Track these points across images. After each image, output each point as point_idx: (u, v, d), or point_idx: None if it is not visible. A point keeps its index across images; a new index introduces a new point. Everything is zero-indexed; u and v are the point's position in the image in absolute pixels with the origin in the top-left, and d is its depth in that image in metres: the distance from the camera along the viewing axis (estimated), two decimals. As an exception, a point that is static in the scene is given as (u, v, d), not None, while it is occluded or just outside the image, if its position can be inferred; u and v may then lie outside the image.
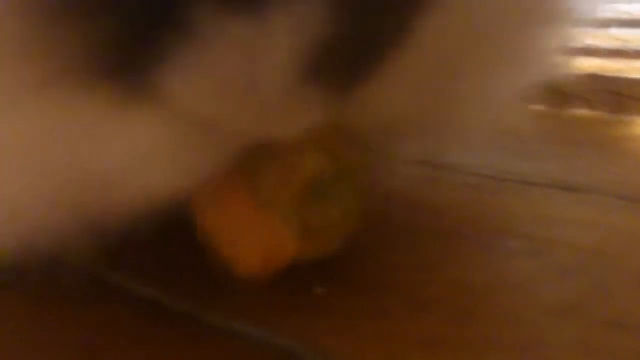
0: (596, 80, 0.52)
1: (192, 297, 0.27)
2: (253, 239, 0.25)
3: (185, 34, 0.20)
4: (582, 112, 0.50)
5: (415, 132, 0.29)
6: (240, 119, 0.22)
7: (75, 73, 0.21)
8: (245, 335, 0.25)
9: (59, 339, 0.25)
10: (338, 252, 0.27)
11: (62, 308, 0.27)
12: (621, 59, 0.60)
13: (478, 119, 0.32)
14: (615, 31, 0.68)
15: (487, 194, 0.36)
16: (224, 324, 0.25)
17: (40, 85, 0.22)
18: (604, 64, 0.57)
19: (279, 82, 0.21)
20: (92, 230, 0.26)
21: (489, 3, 0.27)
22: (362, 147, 0.27)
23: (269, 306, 0.26)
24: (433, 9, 0.24)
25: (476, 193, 0.36)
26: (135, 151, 0.23)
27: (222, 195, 0.25)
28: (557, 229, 0.32)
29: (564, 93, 0.49)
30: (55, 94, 0.22)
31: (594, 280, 0.28)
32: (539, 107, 0.50)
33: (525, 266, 0.29)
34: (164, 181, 0.24)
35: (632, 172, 0.39)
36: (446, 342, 0.24)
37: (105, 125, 0.22)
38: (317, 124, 0.23)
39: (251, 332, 0.25)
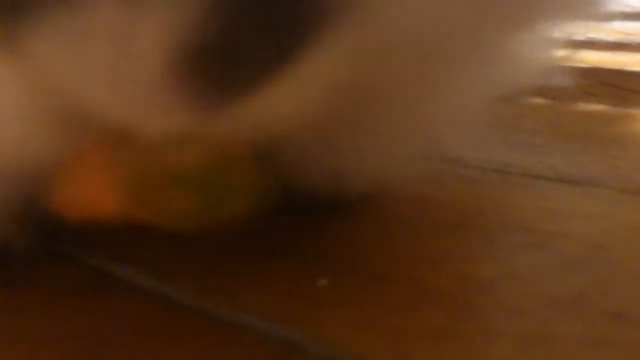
0: (599, 74, 0.52)
1: (197, 289, 0.27)
2: (79, 184, 0.25)
3: None
4: (585, 105, 0.50)
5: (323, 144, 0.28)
6: (97, 94, 0.21)
7: None
8: (249, 327, 0.25)
9: (64, 331, 0.25)
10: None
11: (67, 301, 0.27)
12: (624, 52, 0.60)
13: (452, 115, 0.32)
14: (618, 24, 0.68)
15: (491, 187, 0.36)
16: (228, 315, 0.26)
17: None
18: (606, 57, 0.57)
19: (144, 74, 0.20)
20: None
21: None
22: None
23: (273, 297, 0.26)
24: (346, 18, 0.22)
25: (480, 186, 0.36)
26: None
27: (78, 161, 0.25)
28: (561, 222, 0.32)
29: (566, 86, 0.49)
30: None
31: (598, 273, 0.28)
32: (542, 101, 0.50)
33: (530, 259, 0.29)
34: (16, 145, 0.23)
35: (635, 166, 0.39)
36: (450, 334, 0.24)
37: None
38: (180, 128, 0.22)
39: (255, 323, 0.25)
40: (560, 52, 0.37)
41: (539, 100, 0.49)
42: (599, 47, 0.58)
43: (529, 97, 0.45)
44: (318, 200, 0.32)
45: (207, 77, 0.20)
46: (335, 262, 0.29)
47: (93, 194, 0.25)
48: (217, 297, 0.26)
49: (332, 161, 0.30)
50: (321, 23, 0.21)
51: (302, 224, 0.32)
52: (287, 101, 0.23)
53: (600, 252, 0.29)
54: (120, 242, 0.30)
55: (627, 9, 0.75)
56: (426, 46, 0.26)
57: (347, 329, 0.25)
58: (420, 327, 0.25)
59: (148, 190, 0.25)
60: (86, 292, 0.27)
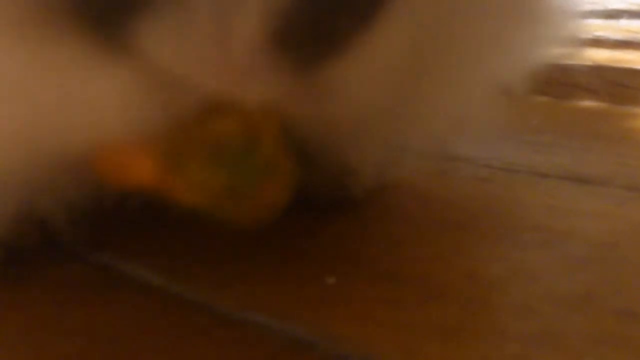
0: (605, 72, 0.51)
1: (203, 285, 0.27)
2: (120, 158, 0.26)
3: None
4: (592, 103, 0.50)
5: (380, 128, 0.29)
6: (205, 74, 0.23)
7: (49, 18, 0.22)
8: (257, 324, 0.25)
9: (73, 328, 0.25)
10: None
11: (76, 298, 0.27)
12: (631, 50, 0.59)
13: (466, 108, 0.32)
14: (624, 22, 0.68)
15: (498, 186, 0.36)
16: (235, 313, 0.26)
17: (13, 28, 0.22)
18: (613, 55, 0.57)
19: (246, 45, 0.22)
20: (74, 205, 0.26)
21: None
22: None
23: (281, 295, 0.27)
24: None
25: (487, 185, 0.36)
26: (100, 103, 0.23)
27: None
28: (569, 220, 0.32)
29: (573, 85, 0.49)
30: (26, 39, 0.22)
31: (606, 271, 0.28)
32: (548, 99, 0.50)
33: (538, 257, 0.29)
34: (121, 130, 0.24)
35: (642, 164, 0.39)
36: (458, 332, 0.24)
37: (74, 74, 0.23)
38: (279, 95, 0.24)
39: (263, 321, 0.25)
40: (567, 50, 0.37)
41: (545, 98, 0.49)
42: (605, 45, 0.58)
43: (536, 95, 0.45)
44: (326, 198, 0.32)
45: (296, 47, 0.22)
46: (343, 260, 0.29)
47: (134, 165, 0.26)
48: (226, 295, 0.26)
49: (339, 159, 0.30)
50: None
51: (309, 222, 0.32)
52: (368, 73, 0.25)
53: (608, 251, 0.29)
54: (129, 239, 0.31)
55: (634, 7, 0.75)
56: (437, 41, 0.26)
57: (355, 327, 0.25)
58: (429, 325, 0.25)
59: (183, 163, 0.25)
60: (95, 289, 0.28)
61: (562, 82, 0.49)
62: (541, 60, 0.35)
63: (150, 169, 0.25)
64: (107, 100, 0.23)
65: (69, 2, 0.22)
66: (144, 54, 0.22)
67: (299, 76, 0.23)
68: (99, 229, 0.29)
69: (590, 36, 0.43)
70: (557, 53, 0.37)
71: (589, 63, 0.53)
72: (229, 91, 0.23)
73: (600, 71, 0.51)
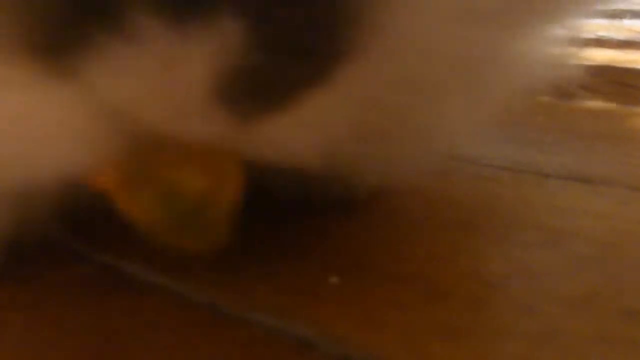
0: (609, 72, 0.51)
1: (206, 285, 0.27)
2: None
3: (115, 27, 0.21)
4: (595, 104, 0.50)
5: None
6: (150, 114, 0.23)
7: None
8: (261, 324, 0.25)
9: (77, 328, 0.25)
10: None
11: (79, 298, 0.27)
12: (634, 50, 0.59)
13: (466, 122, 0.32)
14: (627, 22, 0.68)
15: (502, 186, 0.36)
16: (238, 312, 0.26)
17: None
18: (617, 55, 0.57)
19: (191, 94, 0.23)
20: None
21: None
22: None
23: (284, 294, 0.26)
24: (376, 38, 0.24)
25: (491, 184, 0.36)
26: (45, 126, 0.24)
27: None
28: (572, 220, 0.32)
29: (576, 84, 0.49)
30: None
31: (610, 271, 0.28)
32: (551, 99, 0.50)
33: (541, 256, 0.29)
34: (69, 157, 0.24)
35: (646, 164, 0.39)
36: (462, 332, 0.24)
37: (19, 99, 0.23)
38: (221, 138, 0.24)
39: (266, 321, 0.25)
40: (570, 50, 0.37)
41: (548, 98, 0.49)
42: (608, 45, 0.58)
43: (539, 95, 0.45)
44: (329, 198, 0.32)
45: (247, 94, 0.23)
46: (347, 259, 0.29)
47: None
48: (228, 294, 0.26)
49: (342, 159, 0.30)
50: (350, 47, 0.24)
51: (313, 222, 0.32)
52: (315, 119, 0.25)
53: (611, 250, 0.29)
54: (132, 239, 0.31)
55: (637, 7, 0.75)
56: (441, 48, 0.26)
57: (358, 327, 0.25)
58: (432, 325, 0.25)
59: (135, 194, 0.26)
60: (97, 289, 0.28)
61: (566, 82, 0.48)
62: (547, 61, 0.35)
63: (111, 185, 0.26)
64: (54, 126, 0.24)
65: (16, 26, 0.22)
66: (89, 84, 0.23)
67: (242, 124, 0.24)
68: (101, 230, 0.29)
69: (593, 36, 0.43)
70: (560, 53, 0.37)
71: (593, 63, 0.52)
72: (171, 130, 0.24)
73: (604, 71, 0.51)
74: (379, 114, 0.27)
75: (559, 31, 0.34)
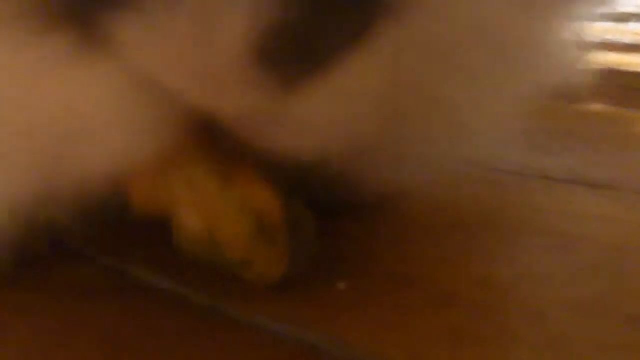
0: (615, 75, 0.51)
1: (214, 290, 0.27)
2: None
3: None
4: (602, 107, 0.50)
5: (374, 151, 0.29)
6: (188, 84, 0.22)
7: (27, 17, 0.22)
8: (267, 329, 0.25)
9: (80, 331, 0.25)
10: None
11: (82, 301, 0.27)
12: (640, 54, 0.59)
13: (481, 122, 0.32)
14: (634, 26, 0.68)
15: (509, 190, 0.36)
16: (245, 317, 0.26)
17: None
18: (622, 59, 0.57)
19: (230, 57, 0.21)
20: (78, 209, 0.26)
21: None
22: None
23: (291, 300, 0.26)
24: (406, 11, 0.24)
25: (499, 189, 0.36)
26: (87, 106, 0.23)
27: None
28: (580, 225, 0.32)
29: (582, 88, 0.49)
30: (5, 38, 0.22)
31: (618, 276, 0.28)
32: (558, 102, 0.49)
33: (549, 261, 0.29)
34: (118, 143, 0.24)
35: (653, 168, 0.38)
36: (469, 337, 0.24)
37: (56, 75, 0.22)
38: (263, 108, 0.23)
39: (273, 326, 0.25)
40: (577, 54, 0.37)
41: (554, 102, 0.49)
42: (615, 48, 0.58)
43: (546, 98, 0.45)
44: (337, 203, 0.32)
45: (283, 59, 0.22)
46: (354, 264, 0.29)
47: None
48: (235, 299, 0.26)
49: (350, 164, 0.30)
50: (384, 16, 0.23)
51: (320, 227, 0.31)
52: (348, 93, 0.24)
53: (619, 255, 0.29)
54: (137, 243, 0.31)
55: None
56: (460, 55, 0.26)
57: (365, 331, 0.25)
58: (439, 330, 0.25)
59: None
60: (101, 292, 0.28)
61: (572, 86, 0.48)
62: (555, 65, 0.34)
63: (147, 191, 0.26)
64: (95, 103, 0.23)
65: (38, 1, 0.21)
66: (124, 53, 0.22)
67: (278, 95, 0.23)
68: (107, 233, 0.29)
69: (599, 39, 0.43)
70: (567, 57, 0.37)
71: (599, 66, 0.52)
72: (206, 101, 0.23)
73: (610, 74, 0.51)
74: (405, 91, 0.26)
75: (565, 35, 0.34)
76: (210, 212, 0.25)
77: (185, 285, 0.28)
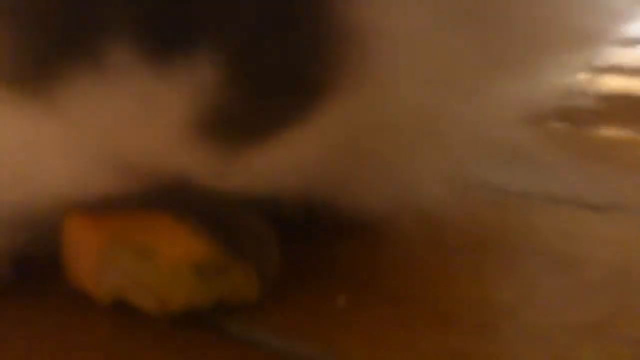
0: (622, 99, 0.51)
1: (215, 306, 0.27)
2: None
3: (90, 61, 0.21)
4: (608, 131, 0.50)
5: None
6: (130, 151, 0.23)
7: None
8: (267, 344, 0.25)
9: (77, 344, 0.25)
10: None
11: (79, 315, 0.27)
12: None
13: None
14: (640, 50, 0.68)
15: (512, 211, 0.36)
16: (245, 332, 0.25)
17: None
18: (629, 83, 0.57)
19: (170, 134, 0.23)
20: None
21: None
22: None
23: (291, 315, 0.26)
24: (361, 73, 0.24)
25: (501, 210, 0.36)
26: (25, 146, 0.23)
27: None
28: (584, 247, 0.32)
29: (589, 111, 0.49)
30: None
31: (620, 298, 0.27)
32: (564, 125, 0.50)
33: (551, 283, 0.29)
34: (58, 181, 0.24)
35: (659, 192, 0.38)
36: (468, 357, 0.24)
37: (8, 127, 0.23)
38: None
39: (273, 341, 0.25)
40: (584, 77, 0.37)
41: (561, 124, 0.49)
42: (621, 72, 0.58)
43: (552, 121, 0.45)
44: (338, 221, 0.32)
45: (220, 131, 0.23)
46: (354, 282, 0.29)
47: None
48: (235, 315, 0.26)
49: (352, 183, 0.30)
50: (324, 91, 0.24)
51: (322, 244, 0.32)
52: (290, 156, 0.25)
53: (622, 278, 0.29)
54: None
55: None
56: (449, 71, 0.26)
57: (364, 349, 0.24)
58: (438, 349, 0.24)
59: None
60: (99, 306, 0.27)
61: (579, 108, 0.48)
62: (560, 88, 0.35)
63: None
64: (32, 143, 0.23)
65: None
66: (69, 112, 0.22)
67: (223, 158, 0.24)
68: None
69: (607, 63, 0.43)
70: (574, 80, 0.37)
71: (606, 90, 0.52)
72: (151, 164, 0.24)
73: (617, 98, 0.51)
74: (362, 150, 0.27)
75: (572, 58, 0.34)
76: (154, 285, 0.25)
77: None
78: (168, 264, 0.25)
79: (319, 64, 0.23)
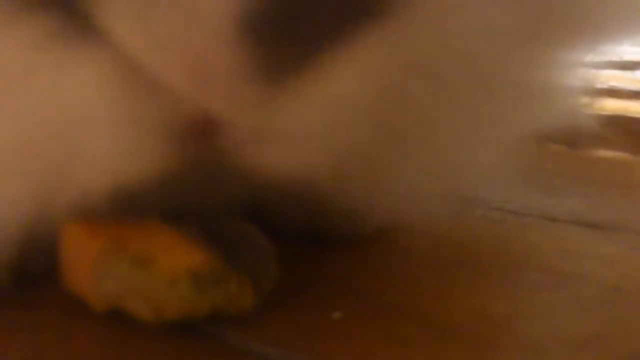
0: (620, 122, 0.51)
1: (210, 316, 0.27)
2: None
3: None
4: (606, 152, 0.50)
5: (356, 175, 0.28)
6: (177, 71, 0.21)
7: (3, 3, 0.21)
8: (262, 354, 0.25)
9: (79, 352, 0.25)
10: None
11: (81, 322, 0.27)
12: (645, 101, 0.60)
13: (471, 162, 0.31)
14: (638, 73, 0.68)
15: (509, 228, 0.36)
16: (240, 342, 0.25)
17: None
18: (628, 106, 0.57)
19: (216, 38, 0.21)
20: None
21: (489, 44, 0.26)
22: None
23: (287, 326, 0.26)
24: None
25: (498, 227, 0.36)
26: (79, 100, 0.22)
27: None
28: (579, 263, 0.32)
29: (587, 134, 0.49)
30: None
31: (615, 314, 0.27)
32: (563, 146, 0.50)
33: (547, 298, 0.29)
34: (113, 154, 0.23)
35: (654, 211, 0.38)
36: (465, 371, 0.24)
37: (41, 67, 0.22)
38: (252, 106, 0.22)
39: (268, 352, 0.25)
40: (583, 100, 0.37)
41: (559, 146, 0.49)
42: (620, 95, 0.58)
43: (550, 142, 0.45)
44: (335, 232, 0.32)
45: (269, 42, 0.21)
46: (350, 295, 0.29)
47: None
48: (230, 326, 0.26)
49: (350, 196, 0.30)
50: (370, 15, 0.22)
51: (318, 257, 0.32)
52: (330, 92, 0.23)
53: (618, 294, 0.29)
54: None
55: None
56: (452, 81, 0.26)
57: (359, 361, 0.24)
58: (435, 362, 0.24)
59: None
60: (95, 314, 0.27)
61: (577, 131, 0.49)
62: (559, 109, 0.35)
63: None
64: (86, 98, 0.22)
65: None
66: (111, 38, 0.21)
67: (268, 85, 0.22)
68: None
69: (605, 86, 0.43)
70: (573, 103, 0.37)
71: (604, 113, 0.53)
72: (197, 93, 0.22)
73: (615, 121, 0.51)
74: (394, 108, 0.25)
75: (571, 81, 0.34)
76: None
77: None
78: (164, 273, 0.25)
79: None
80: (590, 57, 0.35)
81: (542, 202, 0.39)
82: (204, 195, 0.27)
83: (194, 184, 0.26)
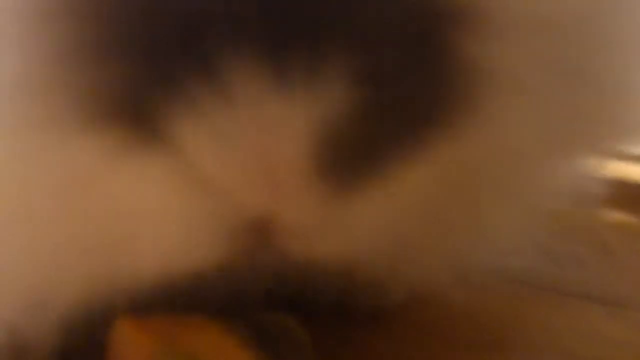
0: (632, 186, 0.52)
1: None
2: None
3: (210, 84, 0.20)
4: (618, 217, 0.50)
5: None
6: (246, 188, 0.21)
7: (78, 114, 0.21)
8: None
9: None
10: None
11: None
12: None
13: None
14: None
15: (524, 304, 0.36)
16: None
17: (41, 125, 0.21)
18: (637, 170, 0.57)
19: (289, 163, 0.21)
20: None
21: (524, 130, 0.26)
22: None
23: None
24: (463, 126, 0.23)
25: (513, 302, 0.36)
26: (143, 206, 0.22)
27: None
28: (591, 346, 0.32)
29: (598, 198, 0.49)
30: (57, 136, 0.21)
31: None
32: (573, 211, 0.50)
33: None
34: (173, 246, 0.23)
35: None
36: None
37: (110, 175, 0.21)
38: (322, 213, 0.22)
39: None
40: (592, 164, 0.37)
41: (572, 212, 0.49)
42: (632, 159, 0.58)
43: (560, 206, 0.45)
44: (358, 305, 0.32)
45: (340, 166, 0.21)
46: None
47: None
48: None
49: (371, 271, 0.30)
50: (442, 120, 0.23)
51: (338, 328, 0.32)
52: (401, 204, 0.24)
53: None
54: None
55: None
56: (500, 177, 0.26)
57: None
58: None
59: None
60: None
61: (587, 194, 0.49)
62: (572, 177, 0.35)
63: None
64: (151, 203, 0.22)
65: (92, 97, 0.20)
66: (180, 151, 0.21)
67: (335, 189, 0.22)
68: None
69: (616, 150, 0.43)
70: (583, 166, 0.37)
71: (615, 176, 0.52)
72: (263, 205, 0.22)
73: (626, 185, 0.52)
74: (451, 201, 0.25)
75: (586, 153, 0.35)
76: None
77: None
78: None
79: (444, 100, 0.22)
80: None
81: (556, 274, 0.39)
82: (248, 285, 0.27)
83: (242, 278, 0.26)
